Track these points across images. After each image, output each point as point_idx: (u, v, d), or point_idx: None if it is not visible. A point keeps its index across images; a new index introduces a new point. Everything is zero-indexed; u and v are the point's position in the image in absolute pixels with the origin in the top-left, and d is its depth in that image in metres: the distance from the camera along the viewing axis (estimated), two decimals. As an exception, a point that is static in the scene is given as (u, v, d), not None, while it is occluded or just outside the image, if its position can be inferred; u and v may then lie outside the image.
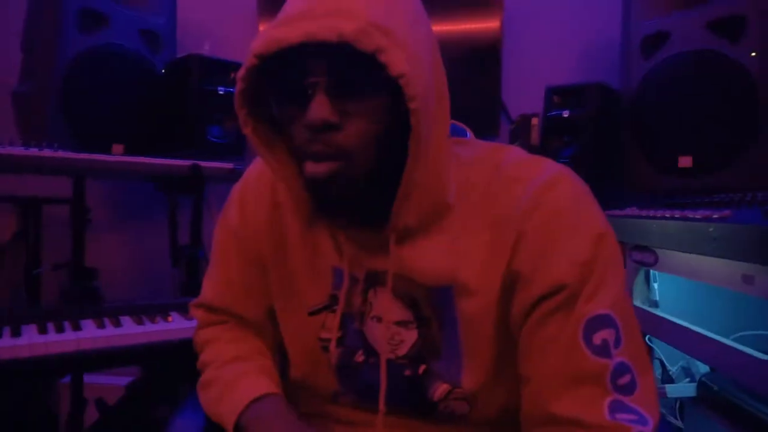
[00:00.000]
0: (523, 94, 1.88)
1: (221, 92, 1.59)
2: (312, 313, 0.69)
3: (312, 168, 0.56)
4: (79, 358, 0.93)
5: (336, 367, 0.69)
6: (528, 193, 0.60)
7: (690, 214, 0.89)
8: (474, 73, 1.89)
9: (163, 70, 1.66)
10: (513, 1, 1.90)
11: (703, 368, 1.13)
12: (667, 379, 1.13)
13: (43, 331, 0.93)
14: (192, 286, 1.47)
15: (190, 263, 1.37)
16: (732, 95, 1.38)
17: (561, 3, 1.95)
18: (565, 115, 1.64)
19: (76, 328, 0.96)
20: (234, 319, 0.77)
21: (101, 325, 0.98)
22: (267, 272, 0.73)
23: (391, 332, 0.65)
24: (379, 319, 0.65)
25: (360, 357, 0.68)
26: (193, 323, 0.80)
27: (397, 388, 0.66)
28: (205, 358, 0.75)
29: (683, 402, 1.14)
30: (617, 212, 1.22)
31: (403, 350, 0.65)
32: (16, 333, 0.91)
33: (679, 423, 1.13)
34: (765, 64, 1.35)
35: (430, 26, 0.62)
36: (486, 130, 1.89)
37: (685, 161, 1.48)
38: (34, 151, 1.23)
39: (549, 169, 0.63)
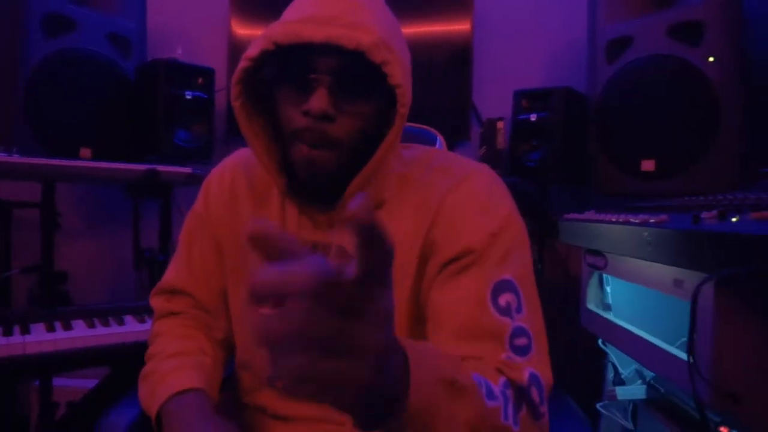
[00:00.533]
0: (494, 97, 1.89)
1: (189, 96, 1.60)
2: None
3: (305, 152, 0.64)
4: (32, 361, 0.93)
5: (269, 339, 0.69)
6: (448, 182, 0.71)
7: (632, 218, 0.90)
8: (445, 75, 1.90)
9: (133, 75, 1.66)
10: (483, 4, 1.92)
11: (652, 374, 1.14)
12: (619, 381, 1.14)
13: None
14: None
15: (152, 267, 1.37)
16: (692, 99, 1.40)
17: (530, 7, 1.96)
18: (533, 119, 1.66)
19: (25, 332, 0.96)
20: (189, 309, 0.81)
21: (51, 329, 0.98)
22: (224, 256, 0.80)
23: None
24: None
25: None
26: (146, 326, 0.81)
27: None
28: (151, 350, 0.77)
29: (636, 404, 1.15)
30: (576, 216, 1.23)
31: None
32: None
33: (630, 426, 1.15)
34: (723, 69, 1.37)
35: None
36: (457, 134, 1.90)
37: (647, 165, 1.50)
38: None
39: (471, 164, 0.75)
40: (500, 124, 1.66)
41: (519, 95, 1.72)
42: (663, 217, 0.83)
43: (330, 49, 0.61)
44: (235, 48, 1.93)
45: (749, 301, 0.68)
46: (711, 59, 1.38)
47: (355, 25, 0.62)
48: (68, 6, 1.52)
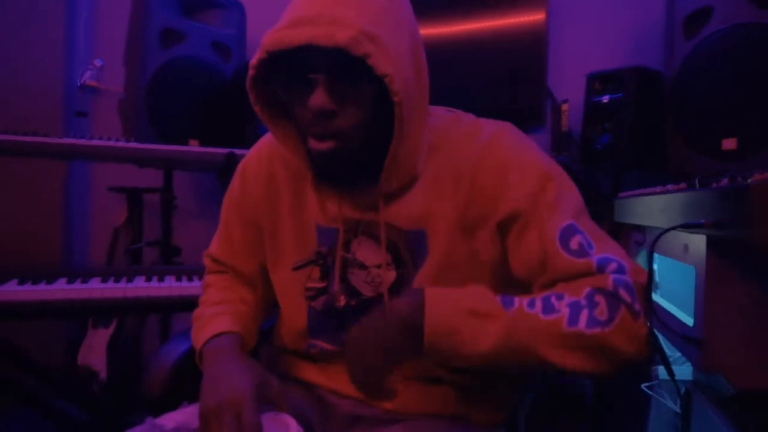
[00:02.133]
0: (568, 80, 1.86)
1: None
2: (296, 268, 0.82)
3: (315, 145, 0.70)
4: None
5: (316, 313, 0.82)
6: (476, 149, 0.75)
7: (657, 189, 0.89)
8: (520, 64, 1.91)
9: (230, 76, 1.91)
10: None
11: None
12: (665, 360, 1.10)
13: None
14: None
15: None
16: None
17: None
18: (605, 101, 1.61)
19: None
20: (232, 271, 0.93)
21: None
22: (262, 234, 0.87)
23: (372, 275, 0.78)
24: (362, 265, 0.78)
25: (342, 301, 0.80)
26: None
27: None
28: (202, 298, 0.92)
29: (688, 388, 1.10)
30: (626, 193, 1.20)
31: (383, 288, 0.77)
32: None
33: (677, 409, 1.10)
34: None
35: (416, 29, 0.74)
36: (532, 118, 1.90)
37: (729, 143, 1.40)
38: (120, 144, 1.53)
39: (491, 125, 0.78)
40: (565, 107, 1.65)
41: (592, 78, 1.68)
42: (682, 185, 0.82)
43: (317, 49, 0.64)
44: None
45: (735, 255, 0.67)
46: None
47: (334, 20, 0.64)
48: (180, 20, 1.80)
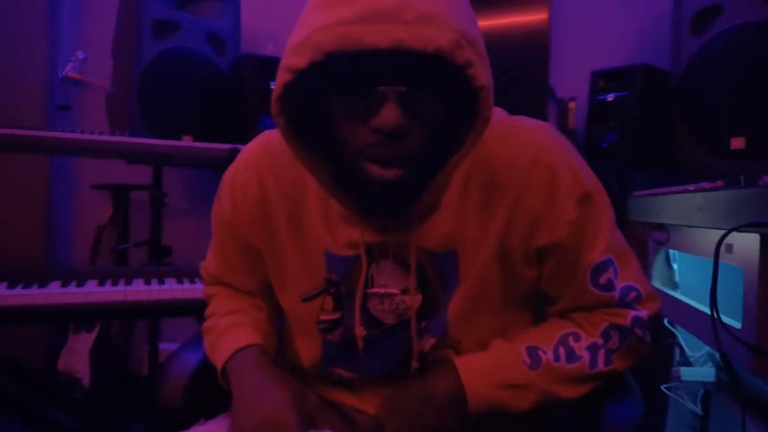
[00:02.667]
0: (572, 78, 1.85)
1: (273, 87, 1.74)
2: (305, 300, 0.71)
3: (379, 172, 0.57)
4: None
5: (336, 344, 0.73)
6: (518, 157, 0.65)
7: (690, 187, 0.87)
8: (522, 61, 1.88)
9: (228, 69, 1.85)
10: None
11: (726, 354, 1.07)
12: (686, 363, 1.08)
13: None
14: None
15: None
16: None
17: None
18: (610, 99, 1.60)
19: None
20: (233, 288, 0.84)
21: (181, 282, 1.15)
22: (261, 255, 0.76)
23: (396, 302, 0.69)
24: (383, 293, 0.69)
25: (362, 332, 0.70)
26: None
27: (393, 350, 0.72)
28: (210, 309, 0.83)
29: (707, 389, 1.09)
30: (642, 192, 1.18)
31: (410, 314, 0.69)
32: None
33: (699, 410, 1.09)
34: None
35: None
36: (534, 116, 1.88)
37: (737, 142, 1.39)
38: (115, 138, 1.45)
39: (530, 126, 0.69)
40: (572, 104, 1.63)
41: (596, 75, 1.67)
42: (719, 183, 0.80)
43: (398, 53, 0.50)
44: None
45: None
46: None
47: (427, 18, 0.50)
48: (174, 11, 1.73)
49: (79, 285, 1.09)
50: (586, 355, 0.68)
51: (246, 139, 1.75)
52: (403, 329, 0.71)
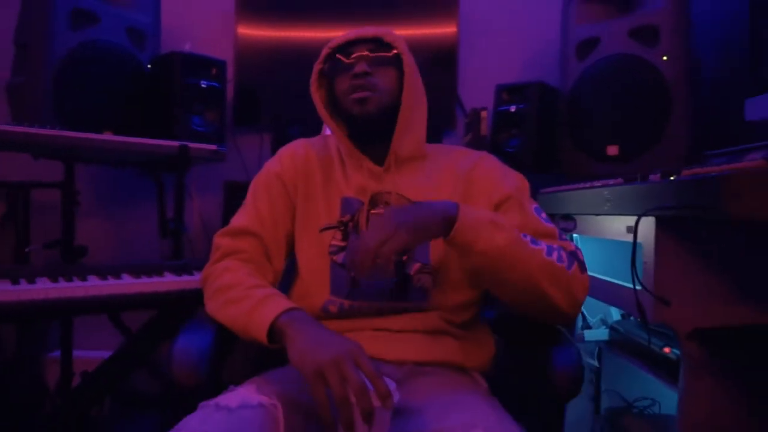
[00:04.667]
0: (476, 90, 2.09)
1: (203, 86, 1.75)
2: (323, 229, 0.99)
3: (356, 95, 0.96)
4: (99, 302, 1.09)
5: (337, 268, 0.95)
6: (468, 162, 1.03)
7: (595, 183, 1.10)
8: (434, 72, 2.09)
9: (149, 65, 1.80)
10: (468, 9, 2.12)
11: (615, 318, 1.35)
12: (586, 327, 1.34)
13: (56, 280, 1.09)
14: (178, 256, 1.63)
15: (176, 236, 1.51)
16: (649, 92, 1.61)
17: (510, 11, 2.17)
18: (512, 110, 1.86)
19: (83, 279, 1.11)
20: (251, 249, 0.99)
21: (104, 278, 1.13)
22: (293, 205, 1.03)
23: None
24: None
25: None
26: (182, 279, 0.98)
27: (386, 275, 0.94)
28: (228, 281, 0.93)
29: (600, 347, 1.36)
30: (549, 189, 1.43)
31: None
32: (32, 281, 1.06)
33: (596, 363, 1.35)
34: (674, 67, 1.59)
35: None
36: (444, 123, 2.10)
37: (612, 150, 1.71)
38: (35, 129, 1.37)
39: (476, 151, 1.09)
40: (484, 113, 1.86)
41: (500, 89, 1.92)
42: (619, 180, 1.03)
43: (361, 42, 0.99)
44: (241, 44, 2.08)
45: (678, 232, 0.88)
46: (665, 58, 1.60)
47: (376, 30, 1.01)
48: (92, 1, 1.66)
49: (30, 282, 1.05)
50: (543, 247, 0.87)
51: (171, 137, 1.75)
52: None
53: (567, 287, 0.86)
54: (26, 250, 1.75)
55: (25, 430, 1.41)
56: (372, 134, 1.00)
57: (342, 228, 0.99)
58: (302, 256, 1.01)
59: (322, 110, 1.03)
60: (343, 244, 0.98)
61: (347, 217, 0.99)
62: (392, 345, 0.92)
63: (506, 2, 2.19)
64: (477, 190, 0.99)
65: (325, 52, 1.01)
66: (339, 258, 0.97)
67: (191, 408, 0.75)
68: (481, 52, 2.15)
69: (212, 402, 0.75)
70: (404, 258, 0.95)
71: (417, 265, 0.95)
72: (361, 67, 0.96)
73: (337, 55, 1.00)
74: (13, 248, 1.84)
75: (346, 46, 0.99)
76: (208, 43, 2.08)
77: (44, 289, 1.03)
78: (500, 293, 0.91)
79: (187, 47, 1.90)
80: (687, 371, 0.91)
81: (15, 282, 1.04)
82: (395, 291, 0.95)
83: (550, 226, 0.96)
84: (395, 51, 0.99)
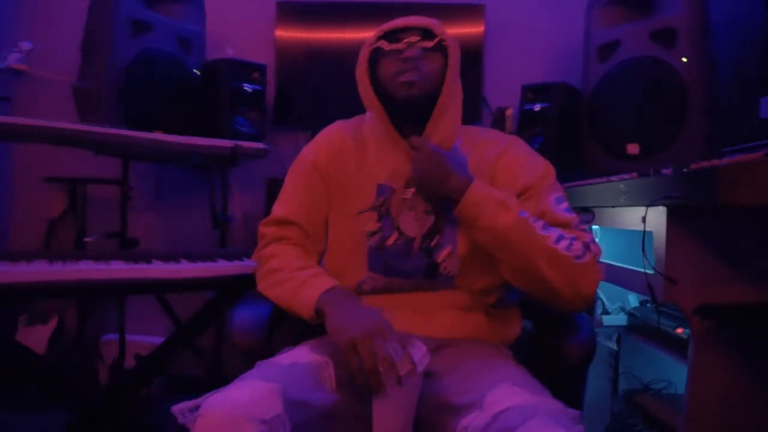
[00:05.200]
0: (501, 89, 2.19)
1: (247, 89, 1.89)
2: (360, 212, 1.06)
3: (405, 78, 1.01)
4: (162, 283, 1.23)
5: (373, 249, 1.04)
6: (496, 150, 1.09)
7: (612, 177, 1.20)
8: (461, 70, 2.18)
9: (197, 71, 1.95)
10: (494, 11, 2.21)
11: (634, 304, 1.44)
12: (605, 313, 1.44)
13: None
14: (223, 246, 1.77)
15: (224, 226, 1.66)
16: (668, 93, 1.68)
17: (534, 13, 2.26)
18: (536, 109, 1.95)
19: (148, 262, 1.25)
20: (296, 235, 1.10)
21: (167, 262, 1.27)
22: (328, 191, 1.10)
23: (419, 218, 1.04)
24: (411, 209, 1.04)
25: (391, 240, 1.04)
26: (234, 264, 1.14)
27: (417, 258, 1.03)
28: (275, 265, 1.05)
29: (619, 332, 1.45)
30: (569, 184, 1.52)
31: (425, 230, 1.04)
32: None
33: (615, 347, 1.44)
34: (692, 68, 1.65)
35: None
36: (470, 120, 2.20)
37: (633, 148, 1.79)
38: (105, 129, 1.53)
39: (506, 135, 1.16)
40: (509, 112, 1.96)
41: (525, 89, 2.02)
42: (634, 174, 1.13)
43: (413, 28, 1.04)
44: (280, 48, 2.20)
45: (686, 220, 0.98)
46: (684, 60, 1.67)
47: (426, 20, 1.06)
48: (147, 11, 1.81)
49: (106, 261, 1.19)
50: (553, 235, 0.93)
51: (218, 136, 1.89)
52: (424, 242, 1.03)
53: (570, 275, 0.92)
54: (85, 239, 1.92)
55: (81, 407, 1.56)
56: (410, 117, 1.05)
57: (377, 210, 1.06)
58: (337, 237, 1.09)
59: (369, 90, 1.06)
60: (377, 226, 1.05)
61: (381, 201, 1.06)
62: (423, 321, 1.01)
63: (530, 6, 2.28)
64: (500, 180, 1.05)
65: (375, 35, 1.05)
66: (373, 241, 1.05)
67: (250, 368, 0.87)
68: (506, 52, 2.25)
69: (267, 360, 0.87)
70: (432, 244, 1.03)
71: (445, 252, 1.02)
72: (411, 52, 1.01)
73: (386, 40, 1.04)
74: (73, 239, 2.02)
75: (396, 32, 1.04)
76: (250, 48, 2.19)
77: (119, 269, 1.17)
78: (503, 271, 1.00)
79: (230, 53, 2.04)
80: (695, 345, 1.00)
81: (96, 261, 1.19)
82: (426, 271, 1.03)
83: (568, 216, 1.00)
84: (443, 42, 1.04)
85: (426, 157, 0.98)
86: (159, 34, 1.83)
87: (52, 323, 2.03)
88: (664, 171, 1.05)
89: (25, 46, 2.12)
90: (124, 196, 1.90)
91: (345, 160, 1.10)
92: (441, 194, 0.97)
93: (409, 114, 1.04)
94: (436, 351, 0.97)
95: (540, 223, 0.94)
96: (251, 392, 0.75)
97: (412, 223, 1.04)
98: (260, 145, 1.73)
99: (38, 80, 2.15)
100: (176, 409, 0.76)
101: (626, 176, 1.14)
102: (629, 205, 1.10)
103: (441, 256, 1.03)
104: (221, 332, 1.97)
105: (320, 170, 1.11)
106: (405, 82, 1.01)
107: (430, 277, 1.03)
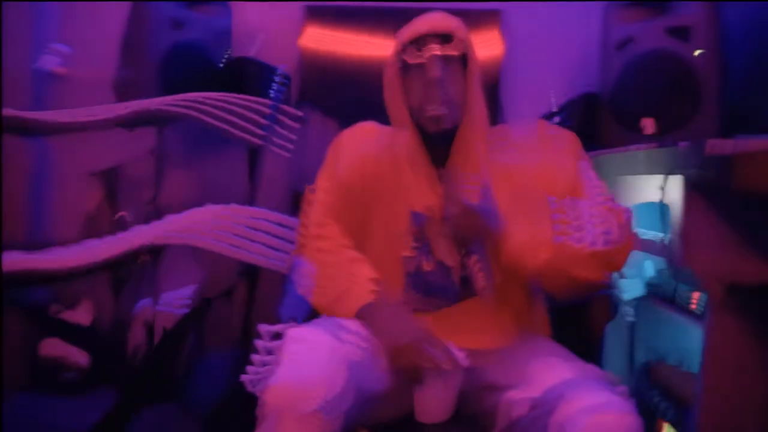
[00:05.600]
0: (517, 98, 2.18)
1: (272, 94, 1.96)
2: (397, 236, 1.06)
3: (432, 112, 1.01)
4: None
5: (409, 274, 1.06)
6: (523, 160, 1.08)
7: (630, 147, 1.27)
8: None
9: (221, 65, 2.04)
10: (509, 20, 2.26)
11: (650, 273, 1.49)
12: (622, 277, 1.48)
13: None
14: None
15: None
16: (681, 83, 1.74)
17: (549, 21, 2.29)
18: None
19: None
20: (337, 236, 1.12)
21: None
22: (356, 198, 1.10)
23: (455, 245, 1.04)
24: (447, 236, 1.03)
25: (428, 267, 1.06)
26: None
27: (454, 284, 1.06)
28: (320, 261, 1.08)
29: (636, 303, 1.50)
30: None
31: (461, 256, 1.05)
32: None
33: (632, 318, 1.50)
34: (704, 60, 1.72)
35: None
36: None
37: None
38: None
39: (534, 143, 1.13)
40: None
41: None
42: (653, 144, 1.19)
43: (434, 36, 1.01)
44: (305, 52, 2.22)
45: (702, 191, 1.04)
46: (697, 52, 1.74)
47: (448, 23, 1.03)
48: (182, 11, 1.94)
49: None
50: (587, 236, 0.94)
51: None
52: (461, 270, 1.05)
53: (608, 263, 0.97)
54: (116, 217, 1.98)
55: (116, 379, 1.60)
56: (440, 142, 1.05)
57: (414, 237, 1.06)
58: (372, 254, 1.09)
59: (403, 112, 1.05)
60: (413, 254, 1.06)
61: (417, 228, 1.06)
62: (458, 338, 0.99)
63: (545, 15, 2.30)
64: (531, 192, 1.02)
65: (397, 47, 1.03)
66: (410, 267, 1.06)
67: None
68: (522, 61, 2.24)
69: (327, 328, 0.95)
70: (469, 273, 1.05)
71: (482, 276, 1.04)
72: (434, 72, 0.97)
73: (409, 48, 1.01)
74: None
75: (417, 40, 1.01)
76: (276, 50, 2.20)
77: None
78: (545, 285, 1.03)
79: (253, 52, 2.11)
80: (710, 309, 1.05)
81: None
82: (462, 296, 1.06)
83: (600, 200, 0.99)
84: (464, 51, 1.01)
85: (460, 216, 0.96)
86: (191, 30, 1.93)
87: (86, 305, 2.07)
88: (681, 144, 1.12)
89: (63, 49, 2.19)
90: (160, 164, 1.93)
91: (380, 180, 1.09)
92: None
93: (440, 141, 1.05)
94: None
95: (572, 227, 0.95)
96: (318, 371, 0.82)
97: (449, 251, 1.05)
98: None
99: (75, 82, 2.21)
100: (246, 378, 0.85)
101: (645, 146, 1.20)
102: (650, 174, 1.16)
103: (479, 281, 1.05)
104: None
105: (354, 190, 1.10)
106: (433, 117, 1.00)
107: (463, 293, 1.07)
